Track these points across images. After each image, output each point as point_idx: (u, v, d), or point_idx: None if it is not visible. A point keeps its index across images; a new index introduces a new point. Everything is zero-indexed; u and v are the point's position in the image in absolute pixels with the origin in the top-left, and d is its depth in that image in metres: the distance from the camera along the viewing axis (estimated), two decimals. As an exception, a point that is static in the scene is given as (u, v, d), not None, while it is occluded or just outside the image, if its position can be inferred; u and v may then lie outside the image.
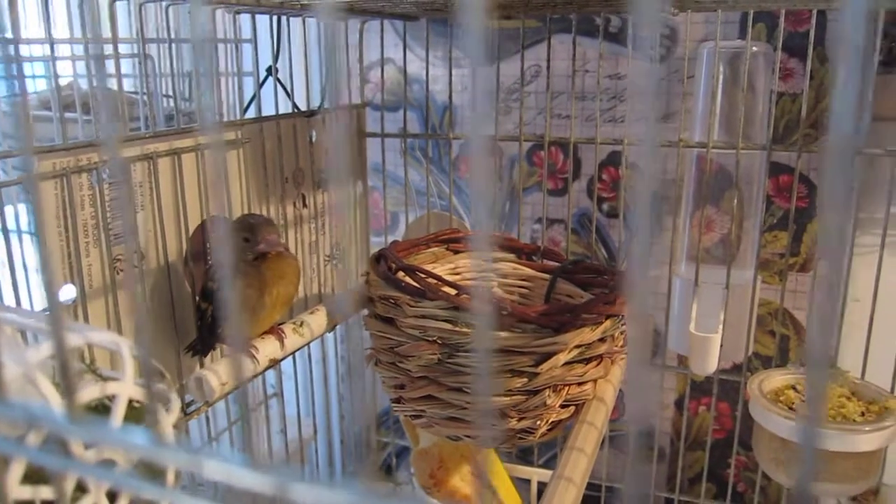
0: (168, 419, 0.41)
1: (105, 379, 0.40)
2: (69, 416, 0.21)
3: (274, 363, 0.66)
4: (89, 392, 0.35)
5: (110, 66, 0.65)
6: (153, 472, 0.37)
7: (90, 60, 0.64)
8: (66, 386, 0.21)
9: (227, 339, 0.66)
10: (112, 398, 0.37)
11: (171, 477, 0.36)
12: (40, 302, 0.66)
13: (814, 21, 0.80)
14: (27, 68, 0.94)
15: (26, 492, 0.33)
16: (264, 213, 0.81)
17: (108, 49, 0.65)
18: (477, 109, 0.18)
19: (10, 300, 0.58)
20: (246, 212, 0.78)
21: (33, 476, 0.33)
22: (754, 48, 0.80)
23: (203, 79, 0.20)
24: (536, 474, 0.93)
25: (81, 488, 0.34)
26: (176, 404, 0.42)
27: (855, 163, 0.83)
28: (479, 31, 0.18)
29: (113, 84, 0.66)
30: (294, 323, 0.69)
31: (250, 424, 0.18)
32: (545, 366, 0.62)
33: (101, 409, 0.40)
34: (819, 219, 0.90)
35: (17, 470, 0.31)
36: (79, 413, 0.21)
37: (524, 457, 1.12)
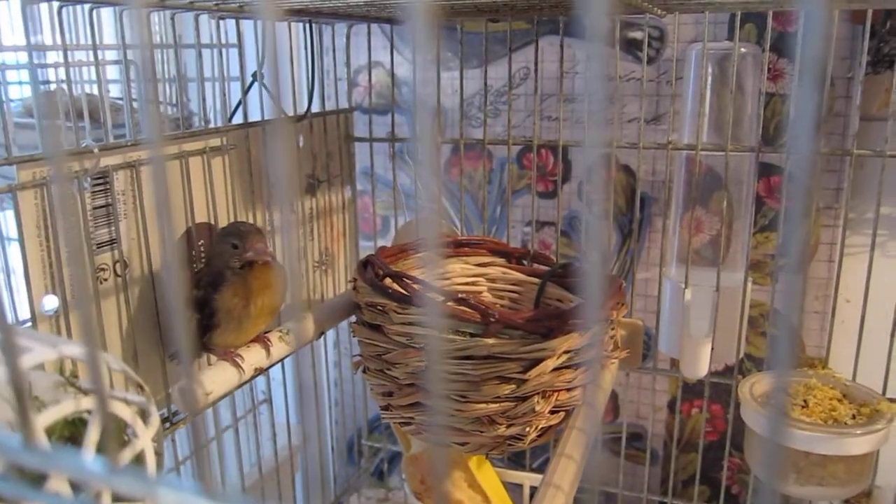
0: (147, 433, 0.40)
1: (85, 392, 0.39)
2: (24, 443, 0.20)
3: (260, 372, 0.66)
4: (63, 408, 0.35)
5: (95, 72, 0.65)
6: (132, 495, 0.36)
7: (69, 67, 0.64)
8: (21, 410, 0.20)
9: (213, 348, 0.65)
10: (90, 412, 0.37)
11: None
12: (24, 311, 0.66)
13: (801, 21, 0.79)
14: (12, 75, 0.93)
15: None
16: (251, 219, 0.81)
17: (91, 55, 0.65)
18: (424, 109, 0.18)
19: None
20: (232, 219, 0.78)
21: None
22: (742, 49, 0.80)
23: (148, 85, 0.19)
24: (528, 479, 0.93)
25: None
26: (155, 417, 0.41)
27: (817, 168, 0.83)
28: (426, 32, 0.18)
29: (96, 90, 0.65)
30: (280, 331, 0.68)
31: (203, 453, 0.18)
32: (533, 372, 0.61)
33: (79, 423, 0.40)
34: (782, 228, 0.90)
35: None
36: (36, 438, 0.21)
37: (517, 461, 1.12)
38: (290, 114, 0.89)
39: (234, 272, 0.64)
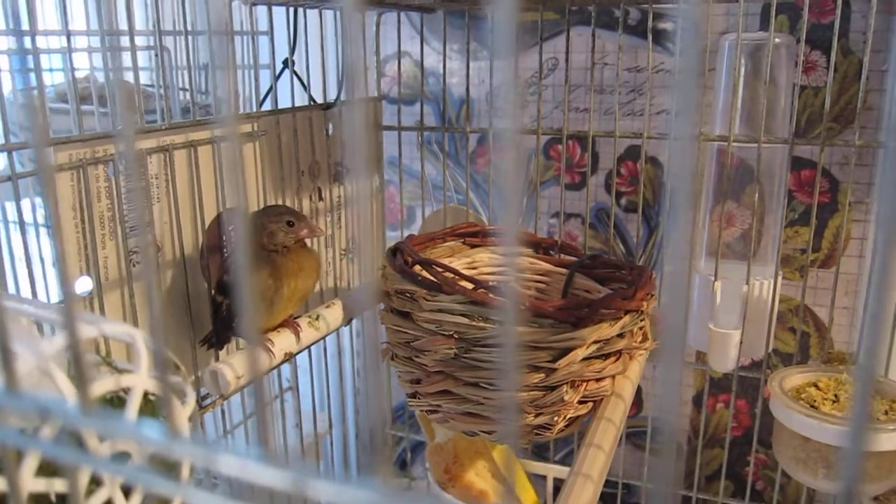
0: (184, 412, 0.40)
1: (120, 371, 0.40)
2: (82, 409, 0.20)
3: (289, 357, 0.66)
4: (104, 384, 0.35)
5: (127, 58, 0.65)
6: (168, 465, 0.37)
7: (106, 52, 0.64)
8: (80, 377, 0.20)
9: (243, 332, 0.66)
10: (127, 391, 0.37)
11: (185, 471, 0.36)
12: (56, 294, 0.66)
13: (838, 12, 0.78)
14: (44, 60, 0.94)
15: (41, 484, 0.32)
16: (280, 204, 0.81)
17: (125, 41, 0.65)
18: (509, 102, 0.18)
19: (26, 292, 0.58)
20: (262, 205, 0.78)
21: (48, 468, 0.33)
22: (776, 40, 0.79)
23: (219, 70, 0.19)
24: (552, 470, 0.92)
25: (96, 481, 0.34)
26: (191, 397, 0.41)
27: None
28: (508, 25, 0.17)
29: (129, 76, 0.66)
30: (310, 316, 0.68)
31: (266, 419, 0.18)
32: (563, 361, 0.61)
33: (117, 401, 0.40)
34: (849, 213, 0.89)
35: (31, 463, 0.30)
36: (92, 405, 0.21)
37: (540, 453, 1.12)
38: (320, 101, 0.89)
39: (268, 254, 0.65)
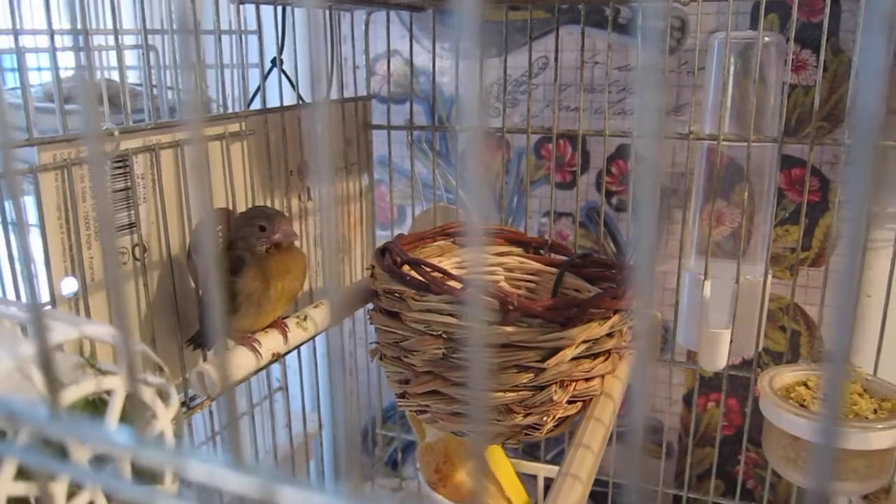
0: (166, 414, 0.40)
1: (103, 373, 0.39)
2: (51, 413, 0.20)
3: (277, 357, 0.66)
4: (84, 387, 0.34)
5: (114, 57, 0.65)
6: (152, 471, 0.36)
7: (78, 50, 0.64)
8: (48, 380, 0.20)
9: (231, 332, 0.65)
10: (110, 393, 0.37)
11: (168, 478, 0.35)
12: (44, 296, 0.66)
13: (827, 11, 0.78)
14: (32, 60, 0.94)
15: (21, 488, 0.32)
16: (269, 205, 0.80)
17: (112, 40, 0.65)
18: (473, 101, 0.17)
19: (11, 294, 0.57)
20: (250, 205, 0.77)
21: (30, 472, 0.33)
22: (766, 39, 0.79)
23: (186, 70, 0.19)
24: (543, 470, 0.92)
25: (79, 484, 0.34)
26: (175, 398, 0.41)
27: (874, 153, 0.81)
28: (472, 23, 0.17)
29: (116, 75, 0.65)
30: (298, 317, 0.68)
31: (237, 424, 0.17)
32: (552, 361, 0.61)
33: (100, 403, 0.40)
34: (839, 211, 0.89)
35: (9, 467, 0.30)
36: (62, 409, 0.21)
37: (531, 452, 1.11)
38: (308, 101, 0.88)
39: (255, 255, 0.64)
